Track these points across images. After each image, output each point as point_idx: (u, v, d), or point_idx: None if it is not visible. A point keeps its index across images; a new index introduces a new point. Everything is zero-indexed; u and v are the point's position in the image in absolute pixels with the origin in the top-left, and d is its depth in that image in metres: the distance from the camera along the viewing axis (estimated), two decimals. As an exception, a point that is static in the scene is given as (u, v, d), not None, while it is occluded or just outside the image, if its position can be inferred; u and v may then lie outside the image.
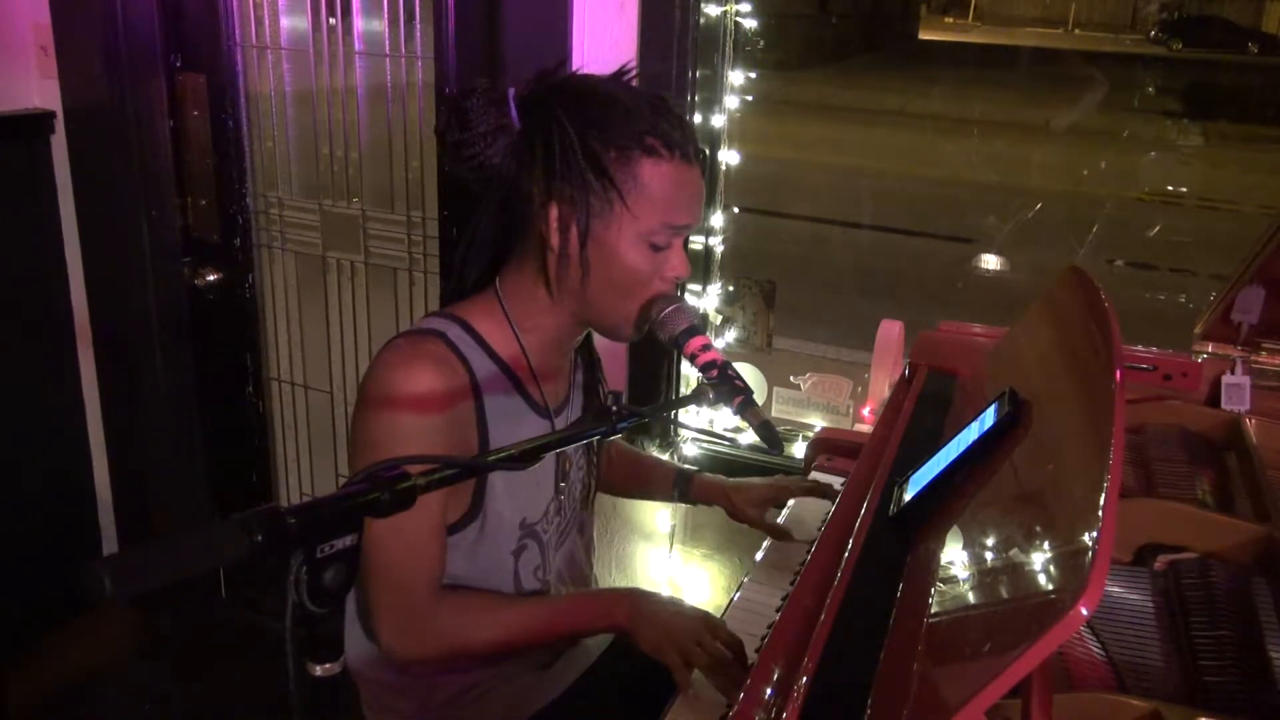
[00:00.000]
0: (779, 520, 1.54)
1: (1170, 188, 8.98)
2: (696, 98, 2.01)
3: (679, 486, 1.54)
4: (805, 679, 0.91)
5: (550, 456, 1.28)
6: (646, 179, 1.12)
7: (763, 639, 1.22)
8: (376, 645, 1.19)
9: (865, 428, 1.92)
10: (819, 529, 1.48)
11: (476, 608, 1.22)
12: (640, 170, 1.12)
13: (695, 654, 1.14)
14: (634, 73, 1.21)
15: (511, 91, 1.16)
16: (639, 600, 1.23)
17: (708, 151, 2.07)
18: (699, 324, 1.17)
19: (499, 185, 1.18)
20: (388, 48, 2.14)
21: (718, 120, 2.06)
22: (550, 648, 1.35)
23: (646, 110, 1.13)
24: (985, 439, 1.10)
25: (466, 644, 1.21)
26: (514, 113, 1.15)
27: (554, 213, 1.14)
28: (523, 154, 1.15)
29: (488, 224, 1.23)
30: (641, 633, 1.18)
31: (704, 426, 2.20)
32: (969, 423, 1.16)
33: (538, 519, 1.28)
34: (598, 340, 1.37)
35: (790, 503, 1.59)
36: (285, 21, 2.24)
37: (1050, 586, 0.77)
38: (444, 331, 1.18)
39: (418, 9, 2.09)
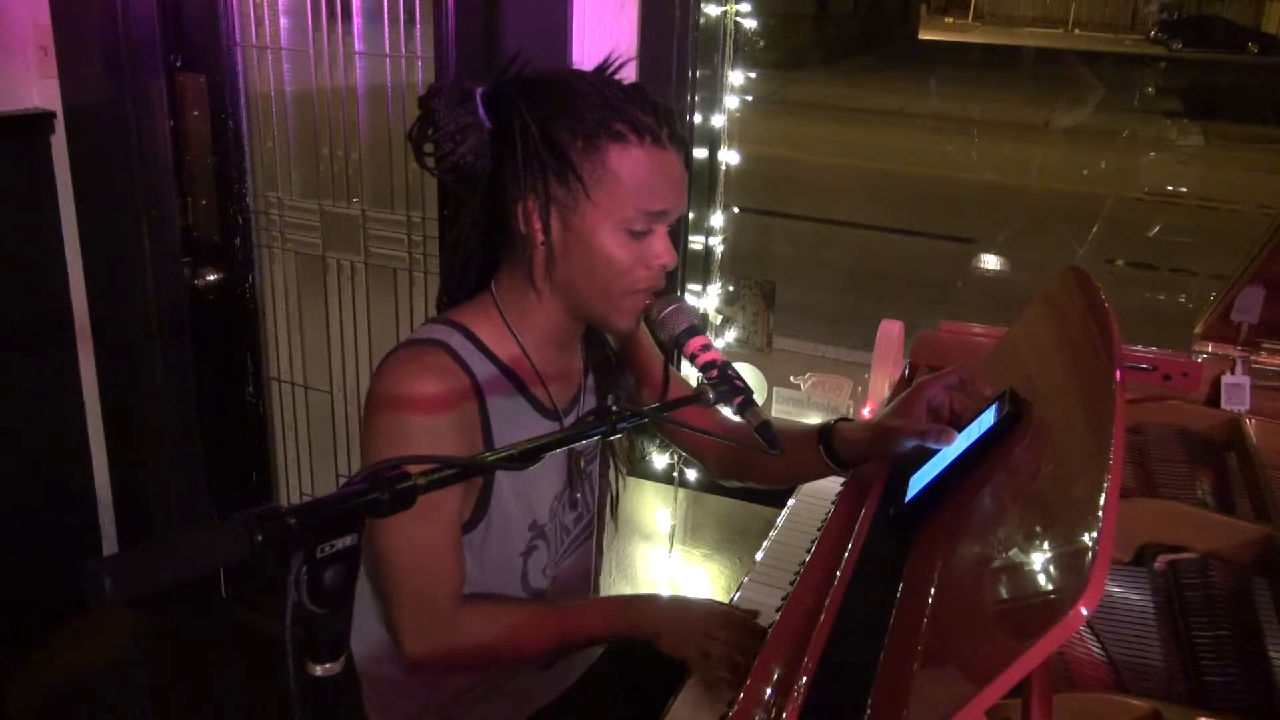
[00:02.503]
0: (779, 519, 1.54)
1: (1170, 188, 8.99)
2: (696, 97, 2.01)
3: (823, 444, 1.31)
4: (805, 679, 0.91)
5: (559, 456, 1.28)
6: (615, 165, 1.11)
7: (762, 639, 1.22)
8: (401, 654, 1.19)
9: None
10: (819, 529, 1.48)
11: (505, 614, 1.22)
12: (608, 157, 1.11)
13: (711, 645, 1.14)
14: (619, 63, 1.19)
15: (479, 90, 1.15)
16: (659, 604, 1.25)
17: (707, 152, 2.07)
18: (699, 324, 1.16)
19: (479, 186, 1.18)
20: (388, 48, 2.14)
21: (718, 120, 2.06)
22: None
23: (614, 97, 1.12)
24: (985, 439, 1.10)
25: (493, 650, 1.21)
26: (481, 110, 1.14)
27: (528, 207, 1.13)
28: (495, 151, 1.15)
29: (473, 227, 1.22)
30: (663, 636, 1.19)
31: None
32: (969, 423, 1.16)
33: (546, 519, 1.28)
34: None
35: (790, 502, 1.59)
36: (285, 21, 2.23)
37: (1050, 586, 0.77)
38: (446, 341, 1.17)
39: (418, 9, 2.08)
